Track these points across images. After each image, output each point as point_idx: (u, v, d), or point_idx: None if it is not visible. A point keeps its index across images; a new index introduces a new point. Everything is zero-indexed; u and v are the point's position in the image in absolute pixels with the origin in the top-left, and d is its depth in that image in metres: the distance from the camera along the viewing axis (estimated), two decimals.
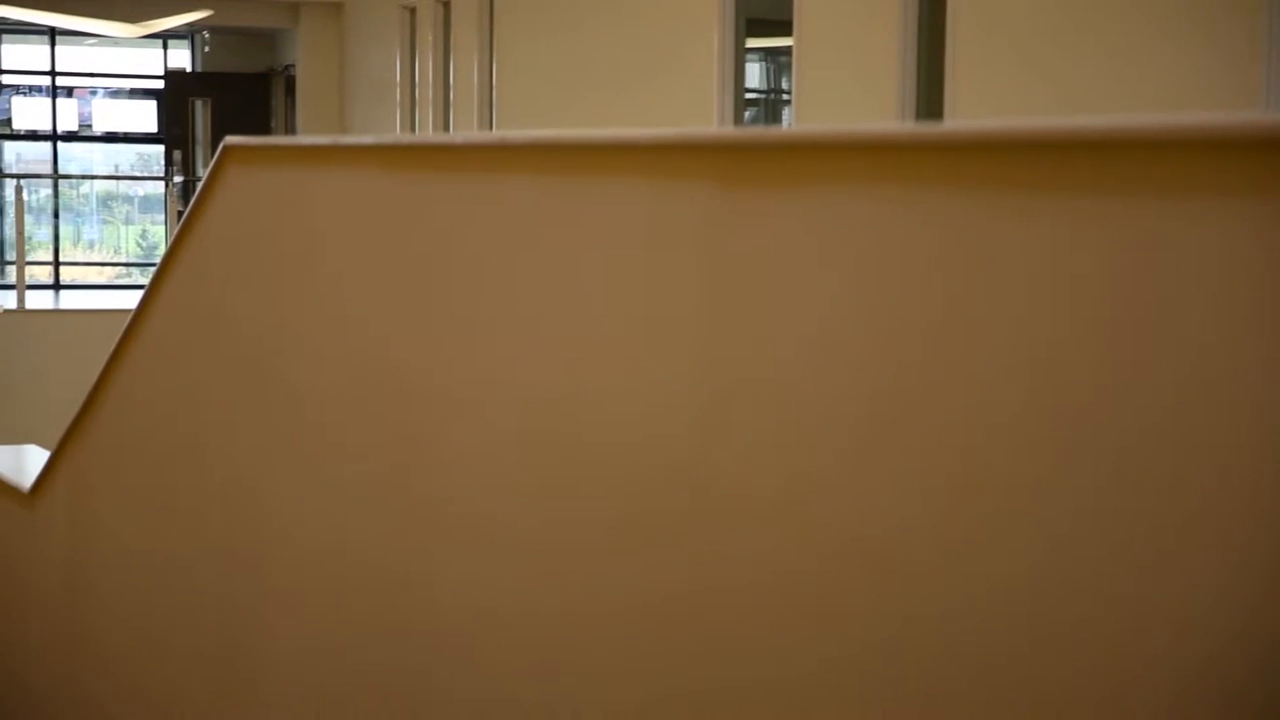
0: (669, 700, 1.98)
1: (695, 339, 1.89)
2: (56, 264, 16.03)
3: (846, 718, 1.67)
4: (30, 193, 16.29)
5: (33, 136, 17.93)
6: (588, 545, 2.19)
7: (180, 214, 11.32)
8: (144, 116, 18.31)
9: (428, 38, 13.87)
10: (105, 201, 20.15)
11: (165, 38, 17.54)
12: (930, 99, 7.63)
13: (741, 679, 1.84)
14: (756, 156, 1.76)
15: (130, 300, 3.95)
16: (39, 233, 16.81)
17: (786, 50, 8.88)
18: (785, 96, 9.44)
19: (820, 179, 1.65)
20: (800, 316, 1.70)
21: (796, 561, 1.74)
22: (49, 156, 17.58)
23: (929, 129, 1.60)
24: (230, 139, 3.25)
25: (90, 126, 18.30)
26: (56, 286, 15.78)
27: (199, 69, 18.04)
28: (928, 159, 1.52)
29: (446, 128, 13.65)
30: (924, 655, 1.55)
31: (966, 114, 7.06)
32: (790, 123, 9.07)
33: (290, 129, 16.17)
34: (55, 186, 16.94)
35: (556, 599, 2.27)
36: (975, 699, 1.50)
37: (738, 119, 9.39)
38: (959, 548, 1.51)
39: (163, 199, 15.73)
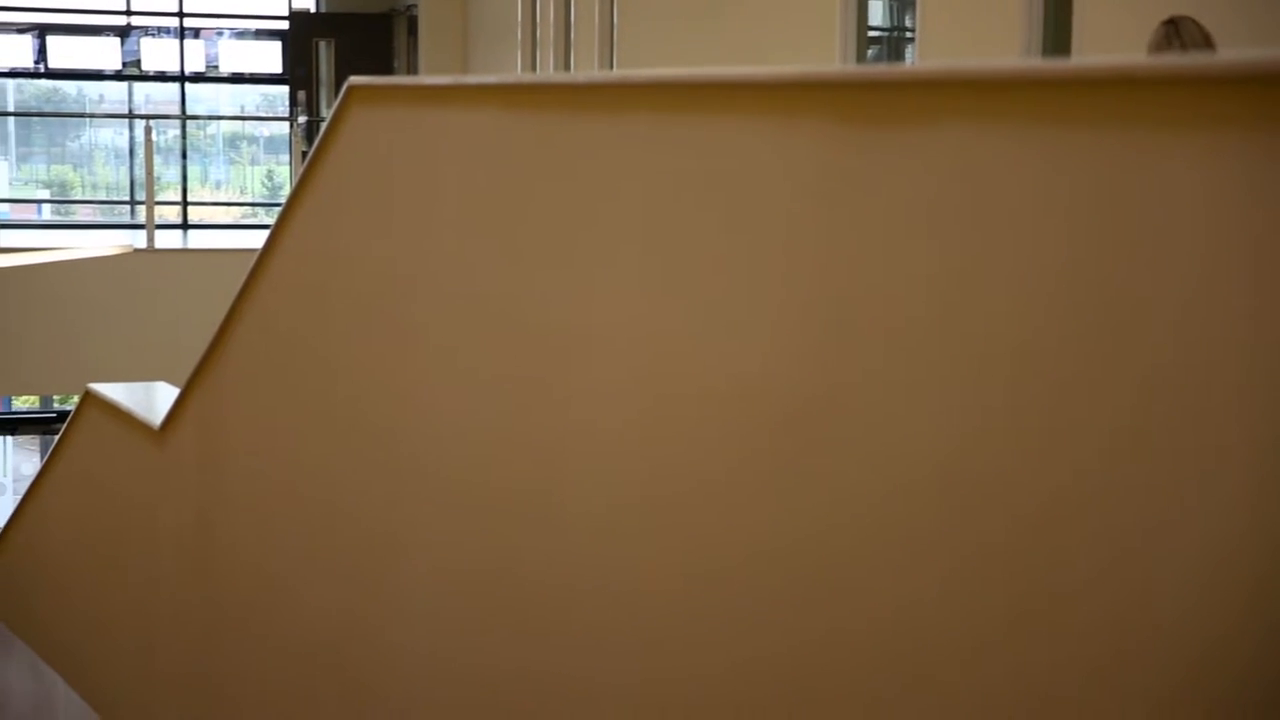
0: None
1: (812, 277, 1.88)
2: (185, 204, 16.25)
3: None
4: (159, 134, 16.53)
5: (161, 78, 18.17)
6: (704, 484, 2.19)
7: (305, 154, 11.44)
8: (269, 57, 18.48)
9: None
10: (232, 142, 20.41)
11: None
12: (1057, 35, 7.49)
13: (876, 603, 1.84)
14: (877, 95, 1.75)
15: (256, 240, 3.99)
16: (167, 173, 17.05)
17: None
18: (909, 34, 9.32)
19: (942, 117, 1.63)
20: (920, 255, 1.68)
21: (915, 503, 1.73)
22: (177, 98, 17.81)
23: (1053, 66, 1.57)
24: (354, 79, 3.27)
25: (217, 67, 18.50)
26: (185, 226, 16.00)
27: (323, 10, 18.16)
28: (1053, 96, 1.49)
29: (567, 67, 13.64)
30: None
31: (1095, 50, 6.92)
32: (913, 61, 8.95)
33: (412, 69, 16.25)
34: (183, 127, 17.16)
35: (677, 537, 2.28)
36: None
37: (860, 57, 9.28)
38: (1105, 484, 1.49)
39: (287, 139, 15.88)
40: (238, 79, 18.86)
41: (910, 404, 1.73)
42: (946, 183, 1.62)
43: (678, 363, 2.23)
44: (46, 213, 19.00)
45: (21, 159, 20.25)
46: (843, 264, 1.81)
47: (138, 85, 18.22)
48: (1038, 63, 1.59)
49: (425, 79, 3.03)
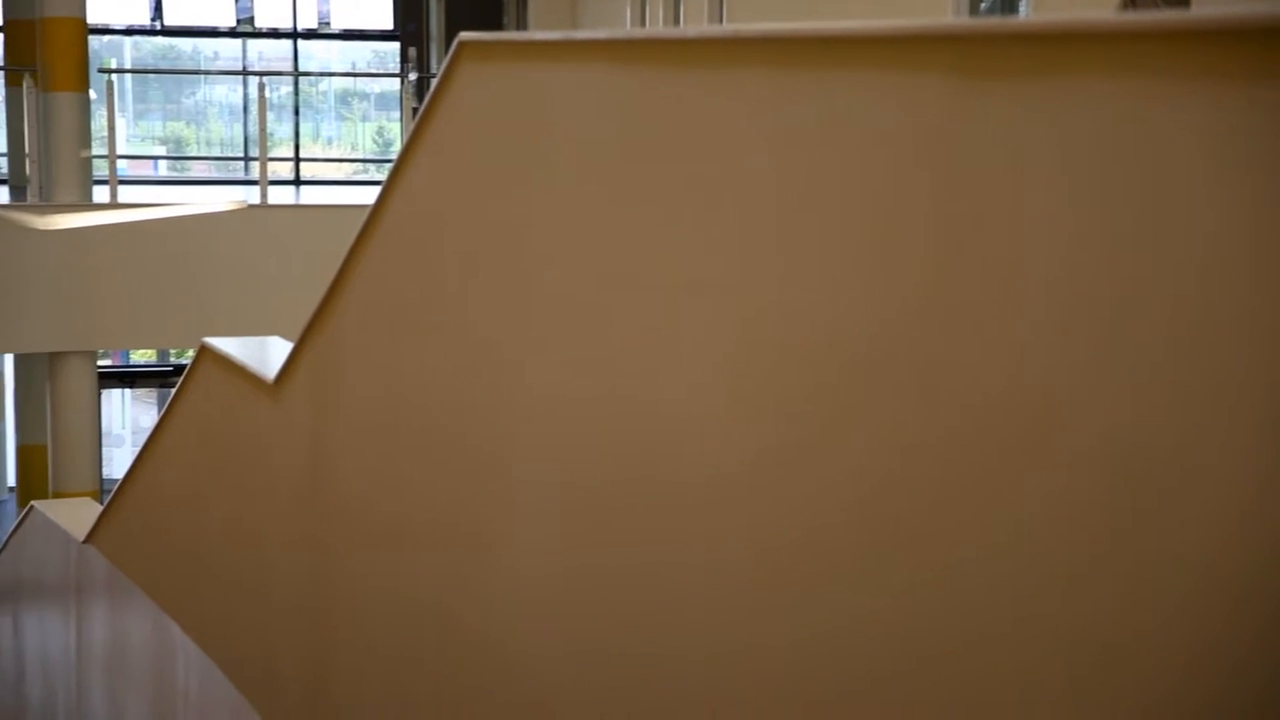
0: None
1: (927, 237, 1.86)
2: (297, 160, 16.41)
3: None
4: (271, 90, 16.69)
5: (274, 35, 18.34)
6: (812, 443, 2.18)
7: (415, 111, 11.49)
8: (380, 14, 18.59)
9: None
10: (343, 99, 20.58)
11: None
12: None
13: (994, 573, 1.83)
14: (994, 48, 1.72)
15: (367, 196, 4.02)
16: (280, 130, 17.22)
17: None
18: None
19: (1060, 70, 1.60)
20: (1037, 213, 1.66)
21: (1027, 468, 1.71)
22: (289, 54, 17.97)
23: (1173, 17, 1.54)
24: (464, 35, 3.27)
25: (328, 24, 18.65)
26: (297, 182, 16.16)
27: None
28: (1174, 49, 1.46)
29: (676, 22, 13.59)
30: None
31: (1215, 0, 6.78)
32: (1028, 13, 8.82)
33: (521, 25, 16.27)
34: (295, 84, 17.31)
35: (784, 489, 2.27)
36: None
37: (974, 10, 9.16)
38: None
39: (398, 96, 15.97)
40: (349, 35, 18.99)
41: (1023, 365, 1.70)
42: (1073, 138, 1.59)
43: (787, 318, 2.22)
44: (163, 169, 19.29)
45: (138, 116, 20.57)
46: (961, 222, 1.79)
47: (251, 42, 18.41)
48: (1161, 14, 1.55)
49: (535, 34, 3.03)
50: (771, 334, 2.28)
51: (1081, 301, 1.60)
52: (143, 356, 16.96)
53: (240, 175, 16.99)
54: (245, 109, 17.33)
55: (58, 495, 11.42)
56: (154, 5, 18.02)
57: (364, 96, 20.85)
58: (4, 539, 9.32)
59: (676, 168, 2.53)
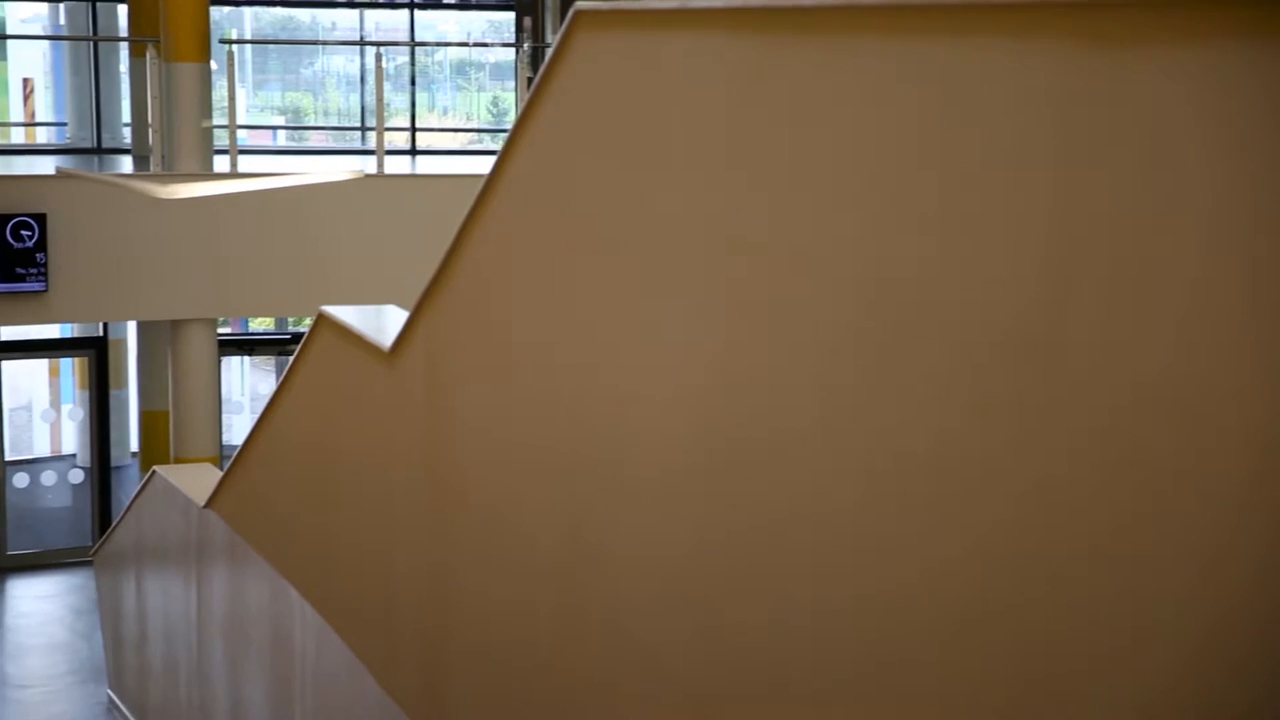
0: None
1: (1051, 201, 1.84)
2: (413, 130, 16.52)
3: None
4: (388, 60, 16.80)
5: (391, 5, 18.45)
6: (928, 405, 2.16)
7: (530, 80, 11.52)
8: None
9: None
10: (459, 68, 20.68)
11: None
12: None
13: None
14: (1120, 13, 1.69)
15: (483, 165, 4.03)
16: (396, 100, 17.34)
17: None
18: None
19: (1191, 35, 1.57)
20: (1167, 175, 1.63)
21: (1148, 433, 1.69)
22: (406, 24, 18.07)
23: None
24: (580, 4, 3.27)
25: None
26: (413, 152, 16.27)
27: None
28: None
29: None
30: None
31: None
32: None
33: None
34: (412, 54, 17.41)
35: (882, 440, 2.25)
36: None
37: None
38: None
39: (513, 65, 16.02)
40: (465, 5, 19.07)
41: (1141, 332, 1.67)
42: (1199, 101, 1.55)
43: (904, 282, 2.20)
44: (281, 139, 19.50)
45: (258, 86, 20.81)
46: (1083, 187, 1.76)
47: (368, 12, 18.53)
48: None
49: (651, 3, 3.01)
50: (889, 299, 2.26)
51: (1220, 270, 1.56)
52: (261, 324, 17.18)
53: (357, 145, 17.14)
54: (362, 79, 17.46)
55: (179, 461, 11.62)
56: None
57: (479, 66, 20.95)
58: (128, 503, 9.50)
59: (794, 135, 2.51)
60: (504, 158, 3.71)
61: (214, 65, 12.29)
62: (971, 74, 1.98)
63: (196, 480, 7.84)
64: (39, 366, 15.91)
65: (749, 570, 2.76)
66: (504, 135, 3.77)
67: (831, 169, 2.39)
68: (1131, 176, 1.67)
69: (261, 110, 20.64)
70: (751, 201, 2.67)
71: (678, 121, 2.94)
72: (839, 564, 2.47)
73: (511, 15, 18.03)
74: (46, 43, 16.96)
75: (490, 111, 20.62)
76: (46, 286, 11.27)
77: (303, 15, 20.20)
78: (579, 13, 3.27)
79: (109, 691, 10.14)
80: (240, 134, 12.77)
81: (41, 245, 11.20)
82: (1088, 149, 1.74)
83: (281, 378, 5.93)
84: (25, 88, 17.64)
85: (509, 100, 19.20)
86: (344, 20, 19.37)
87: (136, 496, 9.12)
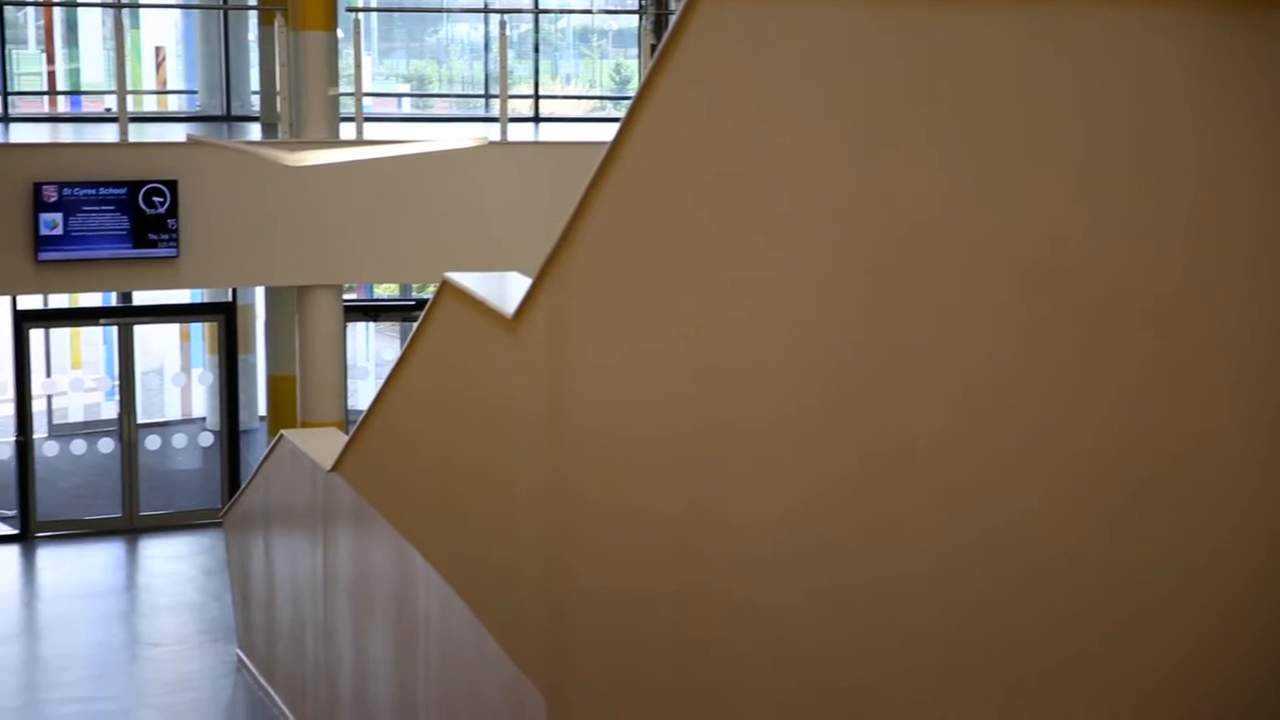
0: None
1: (1189, 168, 1.81)
2: (536, 97, 16.57)
3: None
4: (512, 28, 16.86)
5: None
6: (1064, 375, 2.14)
7: (653, 48, 11.50)
8: None
9: None
10: (582, 36, 20.70)
11: None
12: None
13: None
14: None
15: (605, 133, 4.03)
16: (519, 67, 17.40)
17: None
18: None
19: None
20: None
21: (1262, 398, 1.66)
22: None
23: None
24: None
25: None
26: (536, 119, 16.32)
27: None
28: None
29: None
30: None
31: None
32: None
33: None
34: (535, 21, 17.45)
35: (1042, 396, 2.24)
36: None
37: None
38: None
39: (637, 33, 16.01)
40: None
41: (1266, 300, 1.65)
42: None
43: (1032, 260, 2.18)
44: (406, 106, 19.64)
45: (383, 54, 20.98)
46: (1218, 152, 1.74)
47: None
48: None
49: None
50: (1014, 275, 2.25)
51: None
52: (386, 290, 17.34)
53: (480, 112, 17.22)
54: (486, 46, 17.54)
55: (305, 425, 11.78)
56: None
57: (603, 33, 20.96)
58: (256, 466, 9.66)
59: (921, 108, 2.50)
60: (627, 125, 3.72)
61: (340, 33, 12.41)
62: (1110, 40, 1.96)
63: (323, 444, 7.95)
64: (170, 331, 16.19)
65: (865, 526, 2.76)
66: (626, 103, 3.78)
67: (972, 138, 2.37)
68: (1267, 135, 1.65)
69: (387, 78, 20.80)
70: (877, 175, 2.66)
71: (800, 89, 2.92)
72: (947, 515, 2.47)
73: None
74: (178, 12, 17.21)
75: (613, 79, 20.63)
76: (178, 252, 11.47)
77: None
78: None
79: (238, 650, 10.34)
80: (366, 101, 12.90)
81: (173, 211, 11.40)
82: (1225, 109, 1.72)
83: (405, 344, 5.99)
84: (157, 56, 17.92)
85: (631, 68, 19.20)
86: None
87: (264, 460, 9.27)
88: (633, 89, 17.03)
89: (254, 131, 14.66)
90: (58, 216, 11.24)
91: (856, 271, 2.75)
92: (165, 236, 11.43)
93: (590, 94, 20.41)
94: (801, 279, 2.96)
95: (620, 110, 16.56)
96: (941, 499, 2.49)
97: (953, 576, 2.48)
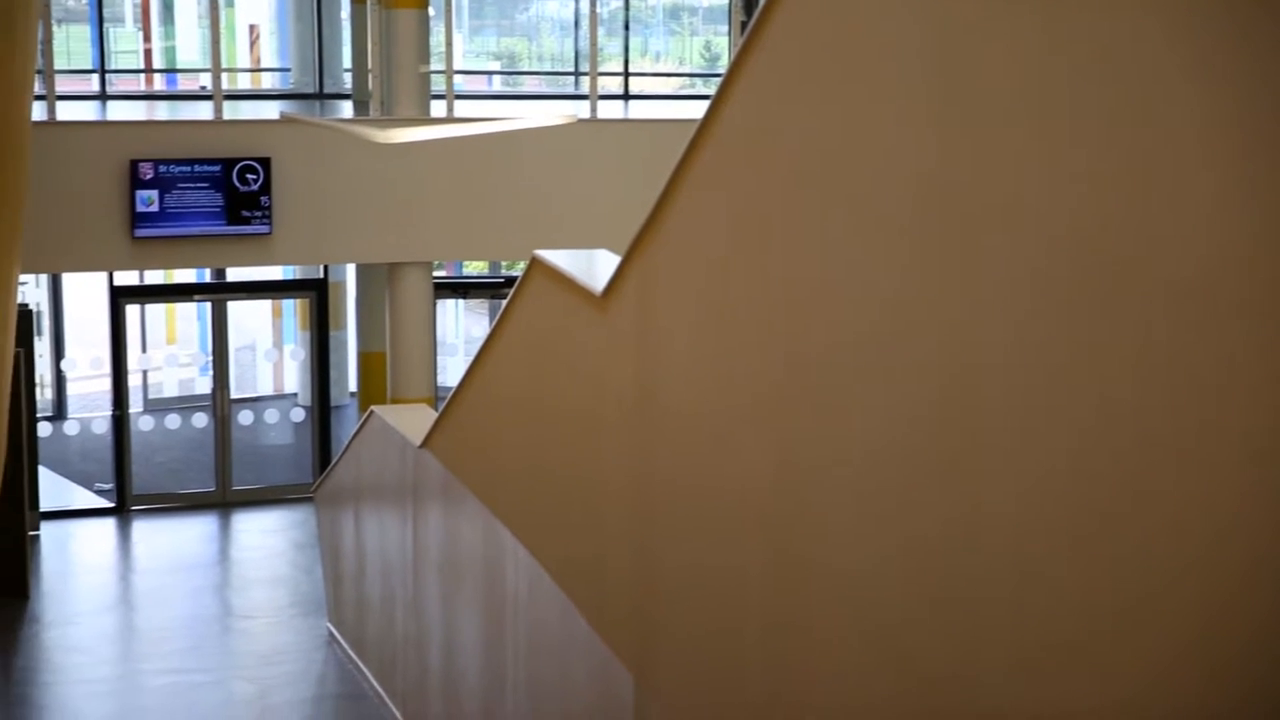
0: None
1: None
2: (626, 75, 16.57)
3: None
4: (602, 5, 16.86)
5: None
6: (1129, 355, 2.12)
7: (744, 25, 11.47)
8: None
9: None
10: (672, 13, 20.66)
11: None
12: None
13: None
14: None
15: (695, 111, 4.02)
16: (609, 45, 17.40)
17: None
18: None
19: None
20: None
21: None
22: None
23: None
24: None
25: None
26: (625, 97, 16.32)
27: None
28: None
29: None
30: None
31: None
32: None
33: None
34: None
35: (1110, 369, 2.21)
36: None
37: None
38: None
39: (727, 10, 15.96)
40: None
41: None
42: None
43: (1100, 243, 2.15)
44: (496, 83, 19.70)
45: (474, 31, 21.05)
46: None
47: None
48: None
49: None
50: (1077, 257, 2.22)
51: None
52: (475, 268, 17.42)
53: (570, 90, 17.23)
54: (576, 24, 17.55)
55: (395, 401, 11.87)
56: None
57: (693, 10, 20.91)
58: (347, 442, 9.74)
59: (1002, 87, 2.47)
60: (717, 102, 3.71)
61: (431, 11, 12.46)
62: (1194, 14, 1.93)
63: (413, 420, 8.00)
64: (262, 307, 16.36)
65: (941, 485, 2.74)
66: (716, 80, 3.76)
67: (1052, 113, 2.35)
68: None
69: (477, 55, 20.87)
70: (957, 156, 2.63)
71: (891, 67, 2.90)
72: (1020, 476, 2.45)
73: None
74: None
75: (703, 56, 20.58)
76: (271, 229, 11.57)
77: None
78: None
79: (328, 624, 10.45)
80: (456, 79, 12.94)
81: (266, 189, 11.50)
82: None
83: (495, 321, 6.01)
84: (251, 34, 18.08)
85: (721, 45, 19.15)
86: None
87: (355, 435, 9.34)
88: (723, 66, 16.97)
89: (346, 109, 14.77)
90: (153, 193, 11.37)
91: (944, 247, 2.72)
92: (258, 214, 11.54)
93: (680, 71, 20.38)
94: (891, 255, 2.94)
95: (710, 88, 16.51)
96: (1014, 460, 2.48)
97: (1023, 526, 2.46)
